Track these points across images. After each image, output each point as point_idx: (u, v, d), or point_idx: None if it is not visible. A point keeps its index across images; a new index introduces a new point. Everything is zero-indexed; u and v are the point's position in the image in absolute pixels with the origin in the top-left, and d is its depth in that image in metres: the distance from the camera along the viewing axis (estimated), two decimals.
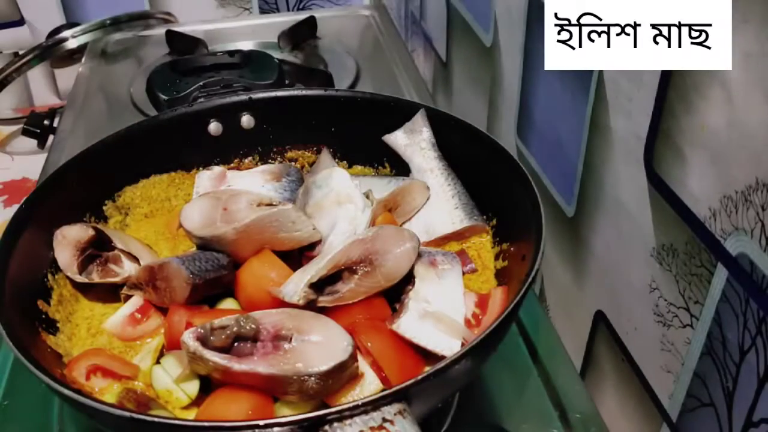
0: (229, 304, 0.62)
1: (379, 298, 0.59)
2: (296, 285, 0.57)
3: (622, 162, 0.66)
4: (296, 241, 0.63)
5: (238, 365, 0.51)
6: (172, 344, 0.58)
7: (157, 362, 0.59)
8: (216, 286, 0.61)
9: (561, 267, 0.84)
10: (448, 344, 0.56)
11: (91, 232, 0.66)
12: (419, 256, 0.61)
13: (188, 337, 0.52)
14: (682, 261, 0.59)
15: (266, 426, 0.44)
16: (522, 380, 0.72)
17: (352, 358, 0.52)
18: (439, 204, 0.71)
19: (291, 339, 0.52)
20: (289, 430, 0.44)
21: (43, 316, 0.61)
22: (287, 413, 0.51)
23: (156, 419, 0.46)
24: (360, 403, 0.44)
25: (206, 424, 0.46)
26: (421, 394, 0.47)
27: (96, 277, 0.65)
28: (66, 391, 0.47)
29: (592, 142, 0.71)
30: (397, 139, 0.75)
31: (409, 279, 0.60)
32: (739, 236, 0.51)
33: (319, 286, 0.58)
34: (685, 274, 0.59)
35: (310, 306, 0.57)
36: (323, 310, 0.57)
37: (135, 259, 0.66)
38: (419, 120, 0.74)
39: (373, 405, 0.45)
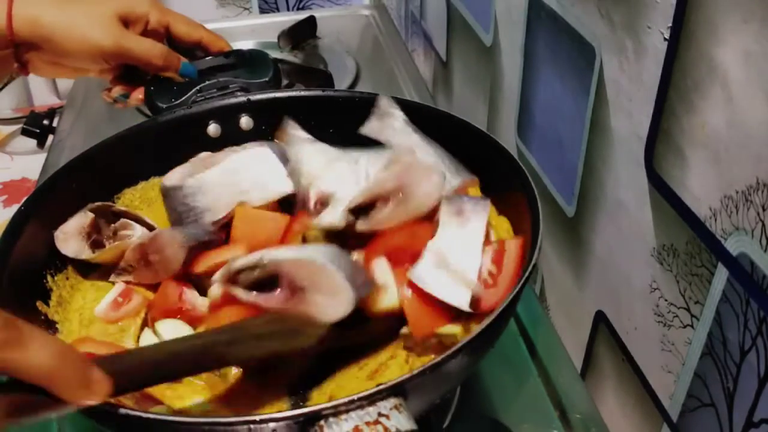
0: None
1: (423, 225, 0.62)
2: (335, 211, 0.60)
3: (622, 162, 0.66)
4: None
5: (271, 304, 0.54)
6: (164, 315, 0.61)
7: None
8: (208, 248, 0.63)
9: (561, 267, 0.84)
10: (457, 296, 0.56)
11: (90, 216, 0.66)
12: (449, 201, 0.63)
13: (220, 277, 0.55)
14: (683, 261, 0.59)
15: (261, 422, 0.44)
16: (522, 380, 0.72)
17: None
18: None
19: (305, 289, 0.54)
20: (285, 426, 0.44)
21: (42, 317, 0.61)
22: None
23: (151, 416, 0.46)
24: (355, 398, 0.44)
25: (202, 420, 0.46)
26: (418, 389, 0.47)
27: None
28: None
29: (593, 142, 0.71)
30: (372, 127, 0.75)
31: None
32: (740, 236, 0.51)
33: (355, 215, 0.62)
34: (686, 274, 0.59)
35: (349, 232, 0.61)
36: (359, 243, 0.61)
37: (141, 222, 0.68)
38: (385, 103, 0.75)
39: (369, 400, 0.45)
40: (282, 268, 0.55)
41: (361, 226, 0.62)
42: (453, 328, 0.57)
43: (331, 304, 0.56)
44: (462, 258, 0.58)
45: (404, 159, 0.66)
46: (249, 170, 0.69)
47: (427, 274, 0.57)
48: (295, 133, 0.77)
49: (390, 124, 0.75)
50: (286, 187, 0.69)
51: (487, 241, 0.62)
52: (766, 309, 0.49)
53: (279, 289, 0.54)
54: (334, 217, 0.60)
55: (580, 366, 0.82)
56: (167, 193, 0.69)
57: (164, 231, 0.63)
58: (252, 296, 0.55)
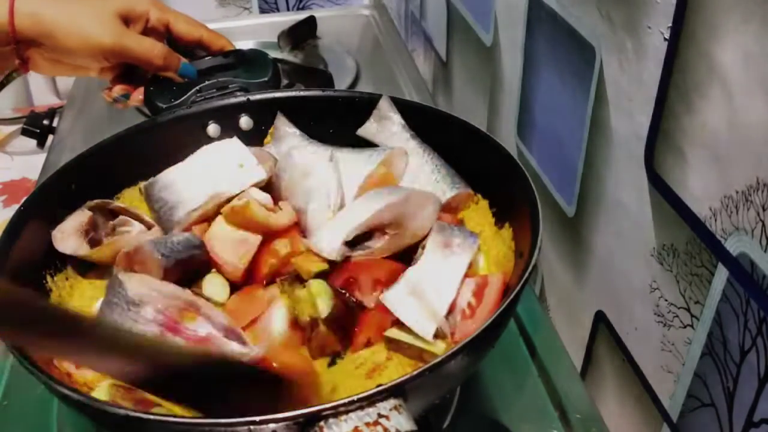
0: (212, 279, 0.64)
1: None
2: (331, 243, 0.62)
3: (622, 162, 0.66)
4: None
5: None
6: None
7: None
8: (190, 264, 0.63)
9: (561, 267, 0.84)
10: (423, 326, 0.57)
11: (88, 214, 0.67)
12: (439, 231, 0.63)
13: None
14: (683, 261, 0.59)
15: (261, 422, 0.44)
16: (522, 380, 0.72)
17: None
18: (421, 181, 0.72)
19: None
20: (285, 427, 0.44)
21: None
22: None
23: (151, 416, 0.46)
24: (355, 398, 0.44)
25: (202, 420, 0.46)
26: (417, 390, 0.47)
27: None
28: (65, 391, 0.47)
29: (593, 142, 0.71)
30: (370, 129, 0.76)
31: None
32: (740, 236, 0.51)
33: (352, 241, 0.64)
34: (686, 274, 0.59)
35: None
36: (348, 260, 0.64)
37: (140, 219, 0.68)
38: (385, 106, 0.75)
39: (369, 401, 0.45)
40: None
41: (357, 256, 0.64)
42: (434, 347, 0.57)
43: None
44: (437, 291, 0.59)
45: (402, 190, 0.67)
46: (220, 161, 0.70)
47: (399, 299, 0.58)
48: (286, 129, 0.77)
49: (388, 127, 0.75)
50: (258, 175, 0.69)
51: (472, 272, 0.62)
52: (766, 309, 0.49)
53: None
54: (332, 249, 0.62)
55: (580, 366, 0.82)
56: (146, 191, 0.70)
57: (145, 244, 0.62)
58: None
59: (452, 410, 0.67)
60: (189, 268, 0.63)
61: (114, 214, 0.69)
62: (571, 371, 0.73)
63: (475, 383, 0.70)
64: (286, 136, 0.77)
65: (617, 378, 0.74)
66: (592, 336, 0.79)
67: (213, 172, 0.69)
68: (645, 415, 0.69)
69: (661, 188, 0.60)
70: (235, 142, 0.72)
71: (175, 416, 0.51)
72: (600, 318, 0.76)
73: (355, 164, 0.70)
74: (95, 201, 0.68)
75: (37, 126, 1.25)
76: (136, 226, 0.68)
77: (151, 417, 0.46)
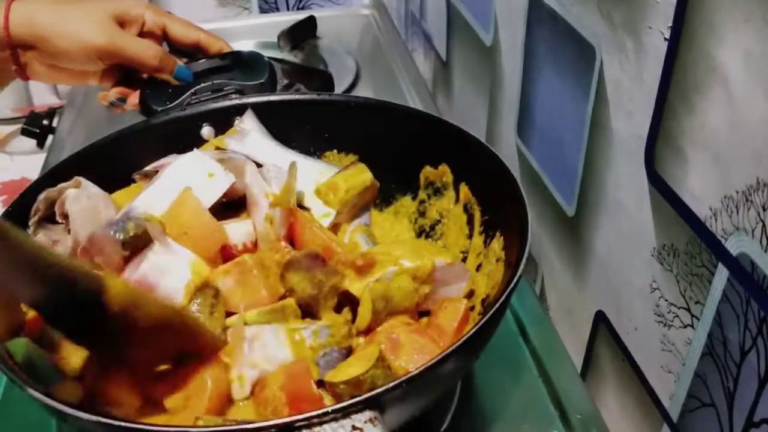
0: None
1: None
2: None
3: (622, 162, 0.66)
4: None
5: None
6: None
7: None
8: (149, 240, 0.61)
9: (561, 267, 0.84)
10: None
11: (40, 237, 0.65)
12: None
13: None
14: (683, 261, 0.59)
15: None
16: (522, 381, 0.72)
17: None
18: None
19: None
20: None
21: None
22: None
23: (123, 424, 0.45)
24: (329, 410, 0.44)
25: (176, 429, 0.47)
26: (395, 402, 0.46)
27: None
28: (30, 391, 0.47)
29: (593, 142, 0.71)
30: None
31: None
32: (740, 236, 0.51)
33: None
34: (686, 274, 0.58)
35: None
36: None
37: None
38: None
39: (343, 412, 0.44)
40: None
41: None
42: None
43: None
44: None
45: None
46: (190, 176, 0.67)
47: None
48: (252, 124, 0.76)
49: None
50: (228, 181, 0.67)
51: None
52: (767, 309, 0.49)
53: None
54: None
55: (580, 366, 0.82)
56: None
57: (96, 232, 0.61)
58: None
59: (452, 410, 0.67)
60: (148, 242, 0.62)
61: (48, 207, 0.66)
62: (571, 371, 0.73)
63: (475, 383, 0.70)
64: (251, 132, 0.75)
65: (617, 378, 0.74)
66: (592, 336, 0.79)
67: (182, 188, 0.66)
68: (645, 415, 0.68)
69: (661, 188, 0.60)
70: (198, 154, 0.70)
71: (144, 423, 0.50)
72: (600, 318, 0.76)
73: (308, 173, 0.71)
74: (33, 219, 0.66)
75: (37, 126, 1.25)
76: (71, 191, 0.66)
77: (133, 425, 0.45)
